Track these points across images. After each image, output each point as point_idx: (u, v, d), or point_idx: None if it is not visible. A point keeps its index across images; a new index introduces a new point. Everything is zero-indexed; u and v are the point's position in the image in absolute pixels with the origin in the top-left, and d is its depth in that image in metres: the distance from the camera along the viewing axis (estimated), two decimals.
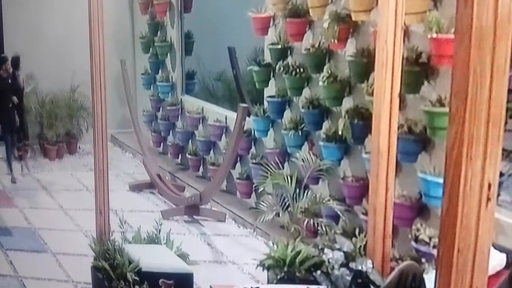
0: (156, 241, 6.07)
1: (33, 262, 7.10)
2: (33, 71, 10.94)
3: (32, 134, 10.47)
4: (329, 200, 6.45)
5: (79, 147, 11.54)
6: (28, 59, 10.94)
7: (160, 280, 5.27)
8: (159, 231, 6.11)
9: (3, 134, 9.65)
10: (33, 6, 11.34)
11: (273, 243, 5.58)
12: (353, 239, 5.33)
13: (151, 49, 10.96)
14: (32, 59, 11.03)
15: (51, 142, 11.06)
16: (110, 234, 6.13)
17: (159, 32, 10.76)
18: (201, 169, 9.74)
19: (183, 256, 5.87)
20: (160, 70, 10.87)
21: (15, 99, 9.38)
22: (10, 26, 11.22)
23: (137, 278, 5.34)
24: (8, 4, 11.21)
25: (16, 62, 9.44)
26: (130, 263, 5.45)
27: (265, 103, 7.86)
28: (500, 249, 4.35)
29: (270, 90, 7.81)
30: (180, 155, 10.35)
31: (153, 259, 5.59)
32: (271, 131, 7.89)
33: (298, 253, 5.17)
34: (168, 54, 10.63)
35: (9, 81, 9.35)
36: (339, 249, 5.06)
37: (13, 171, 9.71)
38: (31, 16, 11.32)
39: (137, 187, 9.54)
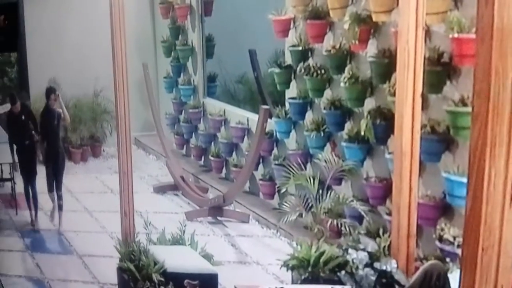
0: (180, 242, 6.12)
1: (59, 264, 7.19)
2: (56, 76, 11.10)
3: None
4: (352, 200, 6.44)
5: (103, 150, 11.66)
6: (51, 64, 11.12)
7: (185, 281, 5.31)
8: (184, 232, 6.17)
9: (21, 175, 8.36)
10: (55, 12, 11.47)
11: (296, 244, 5.60)
12: (377, 239, 5.34)
13: (172, 52, 11.05)
14: (55, 64, 11.19)
15: (75, 146, 11.20)
16: (135, 236, 6.20)
17: (180, 36, 10.84)
18: (224, 170, 9.79)
19: (207, 257, 5.91)
20: (182, 74, 10.95)
21: (35, 136, 8.19)
22: (33, 32, 11.35)
23: (162, 279, 5.39)
24: (31, 10, 11.34)
25: (47, 93, 8.16)
26: (155, 264, 5.51)
27: (287, 104, 7.88)
28: None
29: (291, 91, 7.83)
30: (203, 157, 10.42)
31: (178, 260, 5.64)
32: (293, 133, 7.91)
33: (322, 253, 5.19)
34: (190, 58, 10.70)
35: (22, 117, 8.19)
36: (363, 249, 5.07)
37: (35, 218, 8.27)
38: (53, 22, 11.45)
39: (161, 189, 9.62)
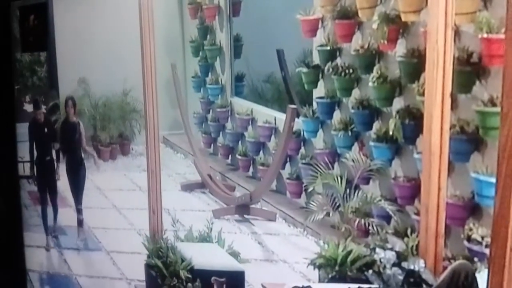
0: (207, 239, 6.17)
1: (88, 261, 7.28)
2: (85, 75, 11.24)
3: (86, 136, 10.17)
4: (380, 200, 6.42)
5: (132, 149, 11.75)
6: (81, 63, 11.25)
7: (212, 278, 5.36)
8: (211, 229, 6.21)
9: (38, 190, 7.88)
10: (84, 12, 11.57)
11: (324, 242, 5.60)
12: (405, 238, 5.33)
13: (200, 52, 11.11)
14: (84, 64, 11.32)
15: (104, 144, 11.33)
16: (163, 233, 6.27)
17: (208, 36, 10.90)
18: (251, 169, 9.82)
19: (234, 255, 5.95)
20: (209, 73, 11.01)
21: (56, 147, 7.87)
22: (62, 32, 11.46)
23: (189, 275, 5.45)
24: (60, 10, 11.45)
25: (65, 101, 7.97)
26: (182, 261, 5.57)
27: (314, 104, 7.89)
28: None
29: (319, 91, 7.83)
30: (230, 156, 10.46)
31: (205, 257, 5.70)
32: (320, 132, 7.91)
33: (350, 252, 5.19)
34: (218, 57, 10.75)
35: (45, 129, 7.81)
36: (391, 249, 5.07)
37: (47, 237, 7.78)
38: (82, 22, 11.54)
39: (188, 187, 9.68)
